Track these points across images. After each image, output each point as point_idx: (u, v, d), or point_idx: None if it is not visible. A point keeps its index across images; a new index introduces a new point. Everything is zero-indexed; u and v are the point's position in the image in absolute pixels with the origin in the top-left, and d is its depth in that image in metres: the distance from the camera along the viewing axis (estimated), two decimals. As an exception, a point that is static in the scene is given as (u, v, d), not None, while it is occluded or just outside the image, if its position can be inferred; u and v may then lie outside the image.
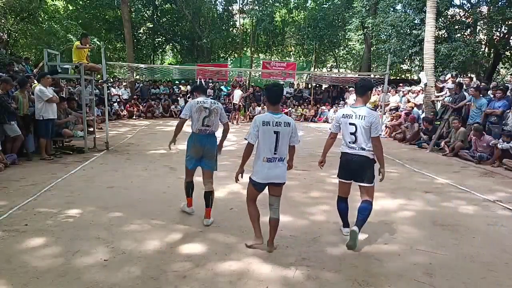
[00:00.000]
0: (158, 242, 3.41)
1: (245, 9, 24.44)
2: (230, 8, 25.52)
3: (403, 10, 16.05)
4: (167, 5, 24.71)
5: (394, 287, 2.77)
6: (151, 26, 25.61)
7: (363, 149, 3.42)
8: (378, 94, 13.62)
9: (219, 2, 25.15)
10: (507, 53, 17.16)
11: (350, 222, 3.77)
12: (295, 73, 19.77)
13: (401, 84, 15.25)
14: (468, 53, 13.58)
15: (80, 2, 22.94)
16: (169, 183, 5.45)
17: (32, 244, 3.33)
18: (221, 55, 26.48)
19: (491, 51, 16.93)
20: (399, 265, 3.10)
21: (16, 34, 17.54)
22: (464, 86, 10.02)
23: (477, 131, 7.80)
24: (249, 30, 25.82)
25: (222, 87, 19.88)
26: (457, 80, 10.99)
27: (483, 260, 3.21)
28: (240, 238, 3.56)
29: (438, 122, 9.86)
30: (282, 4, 24.73)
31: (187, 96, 16.51)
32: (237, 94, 15.04)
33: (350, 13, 20.47)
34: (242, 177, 3.32)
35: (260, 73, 21.29)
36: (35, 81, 7.74)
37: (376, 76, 14.46)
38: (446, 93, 10.46)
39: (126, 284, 2.71)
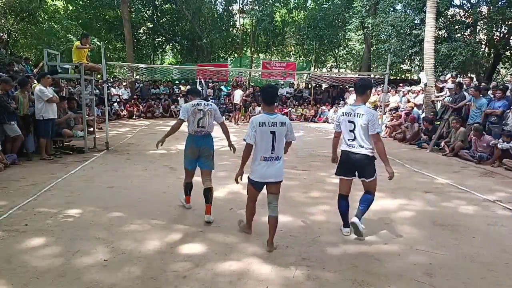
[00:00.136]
0: (158, 242, 3.41)
1: (245, 9, 24.45)
2: (230, 8, 25.52)
3: (403, 10, 16.05)
4: (167, 5, 24.71)
5: (394, 287, 2.77)
6: (151, 26, 25.61)
7: (362, 146, 3.48)
8: (378, 94, 13.62)
9: (219, 2, 25.18)
10: (507, 53, 17.16)
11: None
12: (295, 73, 19.78)
13: (401, 84, 15.24)
14: (468, 53, 13.58)
15: (80, 2, 22.95)
16: (169, 183, 5.44)
17: (32, 244, 3.33)
18: (221, 55, 26.49)
19: (491, 51, 16.93)
20: (399, 265, 3.10)
21: (16, 34, 17.54)
22: (464, 86, 10.02)
23: (477, 131, 7.80)
24: (249, 30, 25.82)
25: (222, 87, 19.89)
26: (457, 80, 10.99)
27: (483, 260, 3.21)
28: (240, 238, 3.56)
29: (438, 122, 9.86)
30: (282, 4, 24.74)
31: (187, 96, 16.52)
32: (238, 94, 15.04)
33: (350, 13, 20.47)
34: (241, 179, 3.37)
35: (260, 73, 21.29)
36: (35, 81, 7.74)
37: (376, 76, 14.45)
38: (446, 93, 10.47)
39: (126, 284, 2.71)
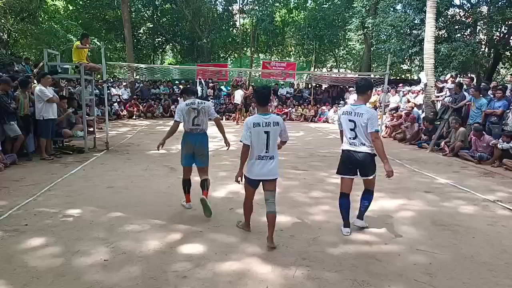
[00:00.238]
0: (158, 242, 3.42)
1: (245, 9, 24.45)
2: (230, 8, 25.51)
3: (403, 10, 16.06)
4: (167, 5, 24.69)
5: (394, 287, 2.77)
6: (151, 26, 25.61)
7: (364, 144, 3.55)
8: (378, 94, 13.63)
9: (219, 2, 25.15)
10: (507, 53, 17.15)
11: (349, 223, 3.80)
12: (295, 73, 19.77)
13: (401, 85, 15.24)
14: (468, 53, 13.58)
15: (80, 2, 22.94)
16: (169, 183, 5.44)
17: (32, 244, 3.33)
18: (221, 55, 26.48)
19: (491, 51, 16.92)
20: (399, 265, 3.10)
21: (16, 34, 17.51)
22: (465, 86, 10.03)
23: (477, 131, 7.80)
24: (249, 30, 25.82)
25: (222, 87, 19.88)
26: (457, 80, 11.00)
27: (483, 260, 3.21)
28: (240, 238, 3.56)
29: (438, 122, 9.86)
30: (282, 4, 24.74)
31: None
32: (238, 94, 15.03)
33: (350, 13, 20.48)
34: (242, 179, 3.44)
35: (260, 73, 21.29)
36: (35, 81, 7.74)
37: (376, 76, 14.46)
38: (446, 93, 10.47)
39: (126, 284, 2.71)
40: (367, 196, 3.82)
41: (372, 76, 15.33)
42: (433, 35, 10.73)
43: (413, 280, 2.85)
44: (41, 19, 18.35)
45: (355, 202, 4.00)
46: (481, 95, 8.59)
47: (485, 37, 16.12)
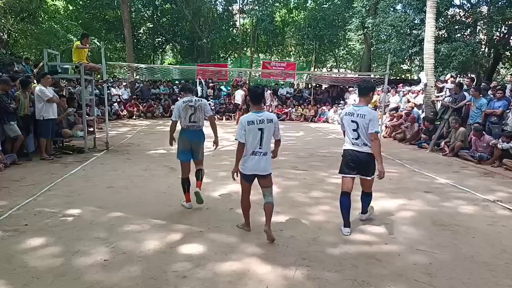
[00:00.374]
0: (158, 242, 3.42)
1: (245, 9, 24.45)
2: (230, 8, 25.53)
3: (403, 10, 16.06)
4: (167, 5, 24.70)
5: (394, 287, 2.77)
6: (151, 26, 25.61)
7: (366, 145, 3.65)
8: (378, 94, 13.62)
9: (219, 2, 25.17)
10: (507, 53, 17.16)
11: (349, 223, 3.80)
12: (295, 73, 19.76)
13: (401, 85, 15.24)
14: (468, 53, 13.58)
15: (80, 2, 22.95)
16: (169, 183, 5.45)
17: (32, 244, 3.33)
18: (221, 55, 26.49)
19: (491, 51, 16.92)
20: (399, 265, 3.10)
21: (16, 34, 17.52)
22: (465, 86, 10.03)
23: (477, 131, 7.80)
24: (249, 30, 25.83)
25: (222, 87, 19.88)
26: (457, 80, 11.00)
27: (483, 260, 3.21)
28: (240, 238, 3.56)
29: (438, 122, 9.86)
30: (282, 4, 24.74)
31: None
32: (239, 94, 15.02)
33: (350, 13, 20.48)
34: (237, 175, 3.55)
35: (260, 73, 21.29)
36: (35, 81, 7.74)
37: (376, 76, 14.46)
38: (446, 93, 10.47)
39: (126, 284, 2.71)
40: (366, 197, 3.97)
41: (372, 76, 15.33)
42: (433, 35, 10.73)
43: (413, 280, 2.85)
44: (41, 19, 18.35)
45: (355, 202, 4.01)
46: (481, 95, 8.59)
47: (485, 37, 16.12)
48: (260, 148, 3.42)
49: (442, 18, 15.00)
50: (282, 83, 20.63)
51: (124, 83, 18.25)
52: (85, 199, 4.64)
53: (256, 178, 3.53)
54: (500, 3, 15.06)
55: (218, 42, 24.60)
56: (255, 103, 3.54)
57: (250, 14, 23.72)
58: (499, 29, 16.08)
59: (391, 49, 15.11)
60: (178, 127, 4.39)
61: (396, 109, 12.71)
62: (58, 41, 18.54)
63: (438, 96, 10.79)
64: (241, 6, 24.47)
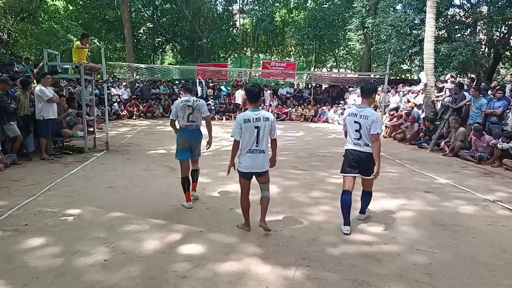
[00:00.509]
0: (158, 242, 3.42)
1: (245, 9, 24.46)
2: (230, 8, 25.53)
3: (403, 10, 16.06)
4: (167, 5, 24.71)
5: (394, 287, 2.77)
6: (151, 26, 25.62)
7: (367, 145, 3.72)
8: (378, 94, 13.61)
9: (219, 2, 25.17)
10: (507, 53, 17.16)
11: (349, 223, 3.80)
12: (295, 73, 19.76)
13: (401, 85, 15.25)
14: (468, 53, 13.58)
15: (80, 2, 22.95)
16: (169, 183, 5.44)
17: (32, 244, 3.33)
18: (221, 55, 26.49)
19: (491, 51, 16.92)
20: (399, 265, 3.10)
21: (16, 34, 17.53)
22: (465, 86, 10.02)
23: (477, 131, 7.80)
24: (249, 30, 25.84)
25: (222, 87, 19.88)
26: (457, 80, 11.00)
27: (483, 260, 3.21)
28: (240, 238, 3.56)
29: (438, 122, 9.87)
30: (282, 4, 24.74)
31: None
32: (239, 94, 15.03)
33: (350, 13, 20.48)
34: (235, 169, 3.65)
35: (260, 73, 21.28)
36: (35, 81, 7.74)
37: (376, 76, 14.46)
38: (445, 93, 10.47)
39: (126, 284, 2.71)
40: (366, 197, 4.02)
41: (372, 76, 15.34)
42: (433, 35, 10.73)
43: (413, 280, 2.85)
44: (41, 19, 18.37)
45: (355, 202, 4.01)
46: (481, 95, 8.59)
47: (485, 37, 16.13)
48: (257, 146, 3.48)
49: (442, 18, 15.00)
50: (282, 83, 20.63)
51: (124, 83, 18.25)
52: (85, 199, 4.64)
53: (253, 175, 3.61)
54: (500, 3, 15.06)
55: (218, 42, 24.61)
56: (252, 101, 3.60)
57: (250, 14, 23.73)
58: (499, 29, 16.08)
59: (391, 49, 15.12)
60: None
61: (396, 109, 12.71)
62: (58, 41, 18.55)
63: (438, 96, 10.79)
64: (241, 6, 24.48)
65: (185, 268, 2.96)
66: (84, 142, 7.84)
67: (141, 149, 8.48)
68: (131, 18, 20.51)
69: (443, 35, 15.43)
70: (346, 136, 3.97)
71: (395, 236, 3.72)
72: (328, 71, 29.17)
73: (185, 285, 2.71)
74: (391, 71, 16.20)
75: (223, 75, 19.86)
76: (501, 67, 21.33)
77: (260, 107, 3.76)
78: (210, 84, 18.59)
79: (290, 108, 17.60)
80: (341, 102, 16.92)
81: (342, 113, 15.61)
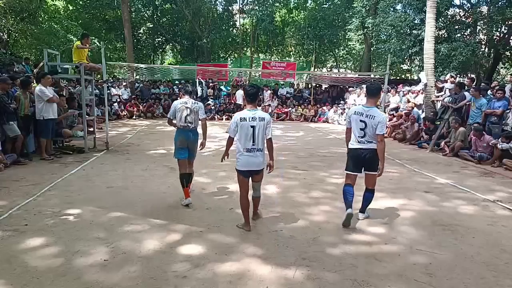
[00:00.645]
0: (158, 242, 3.42)
1: (245, 9, 24.46)
2: (230, 8, 25.53)
3: (403, 10, 16.06)
4: (167, 5, 24.71)
5: (394, 287, 2.77)
6: (151, 26, 25.61)
7: (371, 142, 3.84)
8: (378, 94, 13.59)
9: (219, 2, 25.17)
10: (507, 53, 17.15)
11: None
12: (295, 73, 19.76)
13: (401, 85, 15.25)
14: (468, 53, 13.58)
15: (80, 2, 22.95)
16: (169, 183, 5.44)
17: (32, 244, 3.33)
18: (221, 55, 26.49)
19: (491, 51, 16.91)
20: (399, 265, 3.10)
21: (16, 34, 17.52)
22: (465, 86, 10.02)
23: (477, 131, 7.80)
24: (249, 30, 25.83)
25: (222, 87, 19.88)
26: (457, 80, 11.00)
27: (483, 260, 3.21)
28: (240, 238, 3.56)
29: (438, 122, 9.87)
30: (282, 4, 24.74)
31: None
32: (240, 94, 15.02)
33: (350, 13, 20.48)
34: (228, 157, 3.86)
35: (260, 73, 21.29)
36: (35, 81, 7.73)
37: (376, 76, 14.45)
38: (445, 93, 10.47)
39: (126, 284, 2.71)
40: (368, 194, 4.06)
41: (372, 76, 15.33)
42: (433, 35, 10.73)
43: (413, 280, 2.85)
44: (41, 19, 18.36)
45: (356, 203, 4.02)
46: (481, 95, 8.59)
47: (485, 37, 16.12)
48: (253, 144, 3.57)
49: (442, 18, 15.00)
50: (282, 83, 20.63)
51: (124, 83, 18.24)
52: (85, 199, 4.64)
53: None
54: (500, 3, 15.06)
55: (218, 42, 24.61)
56: (250, 101, 3.69)
57: (250, 14, 23.72)
58: (499, 29, 16.08)
59: (391, 49, 15.11)
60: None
61: (396, 109, 12.71)
62: (58, 41, 18.57)
63: (438, 96, 10.79)
64: (241, 6, 24.47)
65: (185, 268, 2.96)
66: (84, 142, 7.83)
67: (141, 149, 8.48)
68: (131, 18, 20.50)
69: (443, 35, 15.43)
70: (346, 134, 4.09)
71: (395, 236, 3.72)
72: (328, 71, 29.17)
73: (185, 285, 2.71)
74: (391, 71, 16.21)
75: (223, 75, 19.85)
76: (501, 67, 21.33)
77: (261, 107, 3.80)
78: (210, 84, 18.58)
79: (290, 108, 17.59)
80: (341, 102, 16.91)
81: (342, 113, 15.65)
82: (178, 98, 5.02)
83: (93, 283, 2.70)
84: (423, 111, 11.12)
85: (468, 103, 9.06)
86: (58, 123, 7.48)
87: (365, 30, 19.06)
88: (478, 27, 16.30)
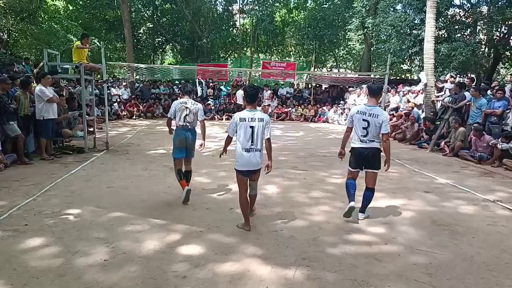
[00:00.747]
0: (158, 242, 3.42)
1: (245, 9, 24.46)
2: (230, 8, 25.53)
3: (403, 10, 16.07)
4: (167, 5, 24.71)
5: (394, 287, 2.77)
6: (151, 26, 25.61)
7: (373, 141, 3.93)
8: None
9: (219, 2, 25.18)
10: (507, 53, 17.16)
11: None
12: (295, 73, 19.76)
13: (401, 85, 15.25)
14: (468, 53, 13.58)
15: (80, 2, 22.95)
16: (169, 183, 5.44)
17: (32, 244, 3.33)
18: (221, 55, 26.49)
19: (491, 51, 16.92)
20: (399, 265, 3.10)
21: (16, 34, 17.52)
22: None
23: (477, 131, 7.80)
24: (249, 30, 25.84)
25: (222, 87, 19.88)
26: (456, 80, 11.00)
27: (483, 260, 3.21)
28: (240, 238, 3.56)
29: (438, 122, 9.87)
30: (282, 4, 24.74)
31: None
32: (240, 94, 15.02)
33: (350, 13, 20.49)
34: (226, 153, 3.97)
35: (260, 73, 21.29)
36: (35, 81, 7.73)
37: (376, 76, 14.45)
38: (445, 93, 10.47)
39: (126, 284, 2.71)
40: (368, 193, 4.09)
41: (372, 76, 15.32)
42: (433, 35, 10.73)
43: (413, 280, 2.85)
44: (41, 19, 18.35)
45: (357, 203, 4.03)
46: (481, 95, 8.59)
47: (485, 37, 16.13)
48: (252, 144, 3.62)
49: (442, 18, 15.00)
50: (282, 83, 20.63)
51: (124, 83, 18.25)
52: (85, 199, 4.64)
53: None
54: (500, 3, 15.06)
55: (218, 42, 24.61)
56: (250, 102, 3.75)
57: (250, 14, 23.73)
58: (499, 29, 16.08)
59: (391, 49, 15.12)
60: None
61: (396, 109, 12.70)
62: (58, 41, 18.56)
63: (438, 96, 10.79)
64: (241, 6, 24.48)
65: (185, 268, 2.96)
66: (84, 142, 7.84)
67: (141, 149, 8.48)
68: (131, 18, 20.50)
69: (443, 35, 15.43)
70: (345, 133, 4.17)
71: (395, 236, 3.72)
72: (328, 71, 29.17)
73: (185, 285, 2.71)
74: (391, 71, 16.20)
75: (223, 75, 19.85)
76: (501, 67, 21.33)
77: (261, 107, 3.83)
78: (210, 84, 18.58)
79: (290, 108, 17.60)
80: (341, 102, 16.92)
81: (342, 113, 15.66)
82: (178, 98, 5.05)
83: (93, 283, 2.70)
84: (423, 111, 11.11)
85: (468, 103, 9.06)
86: (58, 123, 7.48)
87: (365, 30, 19.06)
88: (478, 27, 16.30)
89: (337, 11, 22.87)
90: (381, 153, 4.04)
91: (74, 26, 20.65)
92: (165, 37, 25.90)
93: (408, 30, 15.01)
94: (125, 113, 16.27)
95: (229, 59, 25.48)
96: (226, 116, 16.51)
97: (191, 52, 25.07)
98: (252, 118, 3.62)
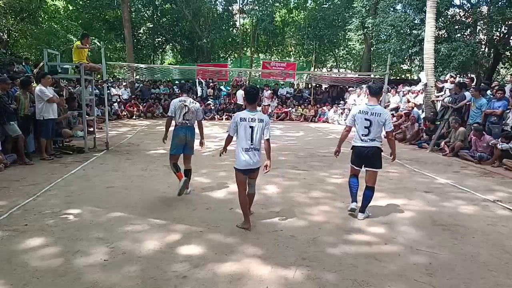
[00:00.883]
0: (158, 242, 3.42)
1: (245, 9, 24.47)
2: (230, 8, 25.54)
3: (403, 10, 16.08)
4: (167, 5, 24.71)
5: (394, 287, 2.77)
6: (151, 26, 25.61)
7: (374, 140, 3.98)
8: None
9: (219, 2, 25.18)
10: (507, 53, 17.16)
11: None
12: (295, 73, 19.76)
13: (401, 85, 15.25)
14: (468, 53, 13.58)
15: (80, 2, 22.95)
16: (169, 183, 5.44)
17: (32, 244, 3.33)
18: (221, 55, 26.50)
19: (491, 51, 16.92)
20: (399, 265, 3.10)
21: (16, 34, 17.52)
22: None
23: (477, 131, 7.80)
24: (249, 30, 25.84)
25: (222, 87, 19.89)
26: (456, 80, 11.00)
27: (483, 260, 3.21)
28: (240, 238, 3.56)
29: (438, 122, 9.87)
30: (282, 4, 24.75)
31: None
32: (240, 94, 15.02)
33: (350, 13, 20.50)
34: (225, 152, 4.00)
35: (260, 73, 21.28)
36: (35, 81, 7.73)
37: (376, 76, 14.45)
38: (445, 93, 10.47)
39: (126, 284, 2.71)
40: (368, 192, 4.11)
41: (372, 76, 15.33)
42: (433, 35, 10.73)
43: (413, 280, 2.85)
44: (41, 19, 18.35)
45: (359, 202, 4.03)
46: (481, 95, 8.59)
47: (485, 37, 16.13)
48: (251, 144, 3.66)
49: (442, 18, 15.00)
50: (282, 83, 20.63)
51: (124, 83, 18.25)
52: (85, 199, 4.64)
53: None
54: (500, 3, 15.06)
55: (218, 42, 24.61)
56: (250, 102, 3.79)
57: (250, 14, 23.74)
58: (499, 29, 16.08)
59: (391, 49, 15.12)
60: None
61: (396, 109, 12.70)
62: (58, 41, 18.56)
63: (438, 96, 10.79)
64: (241, 6, 24.48)
65: (185, 268, 2.96)
66: (84, 142, 7.84)
67: (141, 149, 8.48)
68: (131, 18, 20.51)
69: (443, 35, 15.43)
70: (344, 132, 4.25)
71: (395, 236, 3.72)
72: (328, 71, 29.18)
73: (185, 285, 2.71)
74: (391, 71, 16.21)
75: (223, 75, 19.86)
76: (501, 67, 21.33)
77: (261, 107, 3.85)
78: (210, 84, 18.58)
79: (290, 108, 17.60)
80: (341, 102, 16.91)
81: (342, 113, 15.65)
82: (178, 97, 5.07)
83: (93, 283, 2.70)
84: (423, 111, 11.11)
85: (468, 103, 9.06)
86: (58, 123, 7.48)
87: (365, 30, 19.06)
88: (478, 27, 16.30)
89: (337, 11, 22.87)
90: (382, 153, 4.07)
91: (74, 26, 20.66)
92: (165, 37, 25.90)
93: (408, 30, 15.01)
94: (125, 113, 16.28)
95: (229, 59, 25.49)
96: (226, 116, 16.51)
97: (191, 52, 25.08)
98: (252, 119, 3.67)
